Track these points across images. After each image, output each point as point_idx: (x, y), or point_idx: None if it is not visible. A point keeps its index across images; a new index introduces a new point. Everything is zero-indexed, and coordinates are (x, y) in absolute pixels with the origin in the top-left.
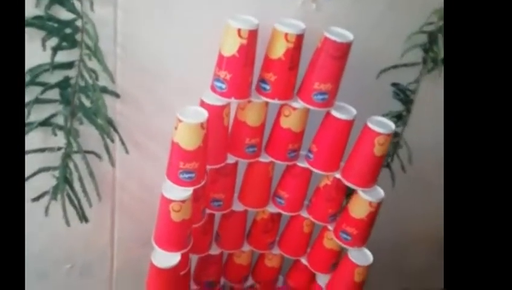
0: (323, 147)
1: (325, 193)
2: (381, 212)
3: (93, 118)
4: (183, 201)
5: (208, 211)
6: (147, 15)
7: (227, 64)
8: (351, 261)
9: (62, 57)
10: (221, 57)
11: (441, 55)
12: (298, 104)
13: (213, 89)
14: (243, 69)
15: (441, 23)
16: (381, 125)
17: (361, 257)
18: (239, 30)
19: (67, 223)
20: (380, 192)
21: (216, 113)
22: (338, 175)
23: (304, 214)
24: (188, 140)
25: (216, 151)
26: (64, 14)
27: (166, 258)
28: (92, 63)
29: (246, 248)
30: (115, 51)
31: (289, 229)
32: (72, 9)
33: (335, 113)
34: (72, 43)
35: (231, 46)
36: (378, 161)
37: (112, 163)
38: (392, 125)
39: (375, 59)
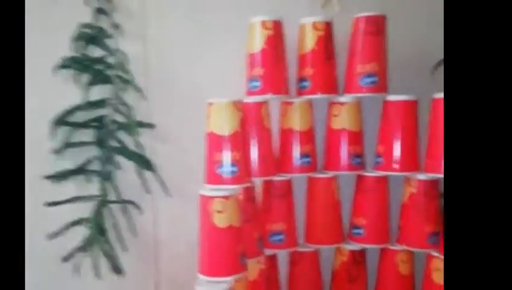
0: (393, 143)
1: (414, 205)
2: None
3: (132, 153)
4: (225, 197)
5: (268, 251)
6: (176, 46)
7: (258, 59)
8: None
9: (95, 95)
10: (251, 57)
11: None
12: (345, 97)
13: (248, 92)
14: (275, 61)
15: None
16: None
17: None
18: (263, 22)
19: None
20: None
21: (253, 111)
22: (421, 175)
23: (395, 246)
24: (223, 123)
25: (263, 158)
26: (98, 52)
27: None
28: (127, 97)
29: None
30: (147, 85)
31: (382, 272)
32: (105, 47)
33: (393, 97)
34: (105, 79)
35: (259, 40)
36: None
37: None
38: None
39: (424, 57)
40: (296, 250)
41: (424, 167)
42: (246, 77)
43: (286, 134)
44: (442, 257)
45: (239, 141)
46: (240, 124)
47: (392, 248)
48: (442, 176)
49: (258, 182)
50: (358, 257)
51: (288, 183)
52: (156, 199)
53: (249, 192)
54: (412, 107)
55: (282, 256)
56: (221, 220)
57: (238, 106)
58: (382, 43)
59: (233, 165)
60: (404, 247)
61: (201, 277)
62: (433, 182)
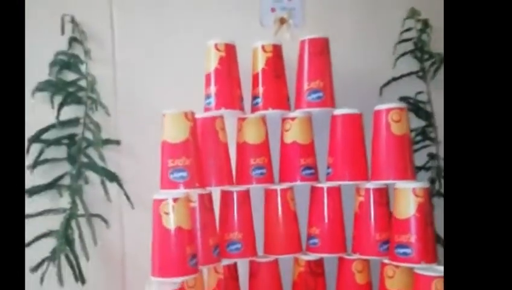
0: (339, 154)
1: (364, 214)
2: None
3: (99, 168)
4: (174, 200)
5: (226, 261)
6: (141, 69)
7: (212, 78)
8: (423, 275)
9: (68, 115)
10: (207, 77)
11: (438, 58)
12: (295, 112)
13: (205, 108)
14: (227, 79)
15: (419, 26)
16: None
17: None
18: (216, 45)
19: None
20: (422, 182)
21: (208, 125)
22: (369, 184)
23: (350, 255)
24: (174, 132)
25: (218, 169)
26: (71, 76)
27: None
28: (96, 116)
29: None
30: (115, 104)
31: (340, 283)
32: (77, 71)
33: (339, 111)
34: (77, 100)
35: (212, 61)
36: (401, 141)
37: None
38: (401, 104)
39: (370, 77)
40: (254, 260)
41: (371, 175)
42: (204, 95)
43: (242, 147)
44: (394, 264)
45: (189, 149)
46: (190, 133)
47: (347, 257)
48: (388, 182)
49: (217, 192)
50: (315, 267)
51: (245, 194)
52: (123, 211)
53: (205, 199)
54: (356, 119)
55: (243, 268)
56: (169, 222)
57: (188, 116)
58: (326, 62)
59: (183, 170)
60: (358, 256)
61: (152, 278)
62: (380, 190)
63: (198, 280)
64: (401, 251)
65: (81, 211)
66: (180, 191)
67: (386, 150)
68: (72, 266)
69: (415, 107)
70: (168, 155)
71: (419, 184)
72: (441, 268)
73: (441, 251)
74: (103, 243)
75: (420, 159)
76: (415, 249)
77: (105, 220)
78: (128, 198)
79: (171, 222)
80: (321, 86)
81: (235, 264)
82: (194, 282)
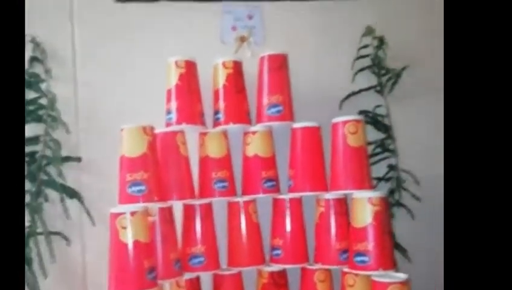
0: (299, 166)
1: (324, 224)
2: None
3: (59, 185)
4: (131, 213)
5: (188, 275)
6: (102, 87)
7: (172, 94)
8: (379, 282)
9: (28, 132)
10: (168, 93)
11: (394, 73)
12: (256, 127)
13: (166, 124)
14: (187, 95)
15: (375, 43)
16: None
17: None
18: (176, 62)
19: None
20: (378, 192)
21: (169, 140)
22: (328, 195)
23: (312, 265)
24: (132, 146)
25: (179, 182)
26: (32, 95)
27: None
28: (56, 134)
29: None
30: (77, 122)
31: None
32: (37, 89)
33: (298, 124)
34: (38, 118)
35: (173, 77)
36: (358, 152)
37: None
38: (357, 116)
39: (330, 92)
40: (218, 273)
41: (330, 186)
42: (165, 111)
43: (204, 161)
44: (354, 273)
45: (147, 163)
46: (148, 147)
47: (309, 267)
48: (346, 192)
49: (179, 205)
50: (278, 278)
51: (207, 207)
52: (84, 228)
53: (165, 213)
54: (315, 132)
55: (207, 282)
56: (126, 236)
57: (147, 130)
58: (284, 77)
59: (141, 184)
60: (320, 265)
61: None
62: (340, 200)
63: None
64: (359, 259)
65: (40, 229)
66: (138, 205)
67: (343, 161)
68: (28, 285)
69: (374, 120)
70: (126, 169)
71: (375, 193)
72: (399, 275)
73: (400, 258)
74: (64, 261)
75: (380, 170)
76: (372, 256)
77: (65, 238)
78: (89, 214)
79: (128, 236)
80: (280, 100)
81: (197, 278)
82: None
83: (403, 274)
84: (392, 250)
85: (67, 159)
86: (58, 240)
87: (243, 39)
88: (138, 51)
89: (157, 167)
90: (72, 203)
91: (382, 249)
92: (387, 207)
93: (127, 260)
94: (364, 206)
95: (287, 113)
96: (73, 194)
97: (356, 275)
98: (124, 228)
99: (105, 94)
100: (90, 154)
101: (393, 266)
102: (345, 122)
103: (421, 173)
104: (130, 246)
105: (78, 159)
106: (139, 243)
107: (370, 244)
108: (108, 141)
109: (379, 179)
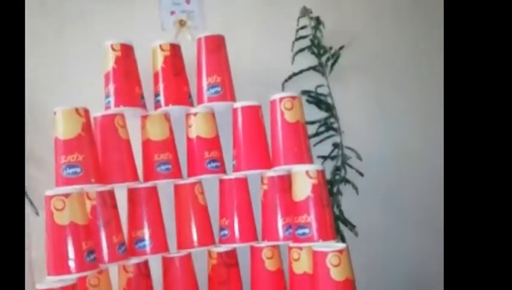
0: (242, 145)
1: (269, 201)
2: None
3: None
4: (65, 195)
5: (135, 260)
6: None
7: (110, 77)
8: (318, 251)
9: None
10: (105, 76)
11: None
12: (197, 108)
13: (105, 107)
14: (124, 78)
15: (313, 23)
16: None
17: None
18: (112, 45)
19: None
20: (317, 164)
21: (107, 123)
22: (270, 172)
23: (259, 243)
24: (65, 128)
25: (120, 166)
26: None
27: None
28: None
29: None
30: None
31: (252, 272)
32: None
33: (239, 104)
34: None
35: (109, 61)
36: (295, 127)
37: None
38: (292, 93)
39: (271, 73)
40: (166, 256)
41: (272, 163)
42: (104, 95)
43: (146, 144)
44: (298, 246)
45: (82, 144)
46: (83, 129)
47: (256, 245)
48: (285, 168)
49: (123, 190)
50: (227, 258)
51: (151, 191)
52: (28, 218)
53: (105, 197)
54: (255, 111)
55: (156, 265)
56: (60, 218)
57: (80, 112)
58: (222, 58)
59: (75, 166)
60: (266, 243)
61: (47, 277)
62: (282, 177)
63: (102, 279)
64: (301, 231)
65: None
66: (73, 187)
67: (282, 137)
68: None
69: (317, 100)
70: (60, 152)
71: (312, 166)
72: (338, 245)
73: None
74: None
75: (325, 148)
76: (312, 228)
77: None
78: (32, 204)
79: (63, 218)
80: (219, 81)
81: (145, 262)
82: (98, 281)
83: (343, 244)
84: (332, 222)
85: None
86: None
87: (181, 23)
88: (78, 35)
89: (95, 150)
90: None
91: (322, 221)
92: (325, 180)
93: (63, 242)
94: (303, 179)
95: (227, 93)
96: None
97: (300, 248)
98: (59, 210)
99: (43, 80)
100: (30, 143)
101: (334, 237)
102: (281, 99)
103: (364, 151)
104: (66, 228)
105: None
106: (76, 225)
107: (310, 217)
108: (47, 128)
109: (324, 158)
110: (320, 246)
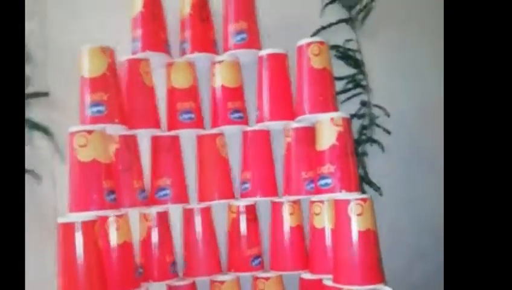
0: (267, 95)
1: (291, 154)
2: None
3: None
4: (88, 132)
5: (156, 210)
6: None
7: (137, 21)
8: (340, 200)
9: None
10: (133, 21)
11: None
12: (222, 56)
13: (132, 52)
14: (152, 23)
15: None
16: None
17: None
18: None
19: None
20: (341, 112)
21: (133, 68)
22: (295, 124)
23: (281, 198)
24: (92, 66)
25: (143, 112)
26: None
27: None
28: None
29: (226, 276)
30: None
31: (273, 227)
32: None
33: (264, 51)
34: None
35: (137, 5)
36: (322, 74)
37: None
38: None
39: (299, 26)
40: (187, 208)
41: (295, 112)
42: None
43: (170, 92)
44: (320, 200)
45: (107, 83)
46: (108, 68)
47: (277, 200)
48: (310, 117)
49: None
50: (247, 213)
51: (173, 139)
52: (55, 166)
53: (128, 141)
54: (281, 59)
55: (176, 217)
56: (83, 154)
57: (106, 51)
58: (249, 3)
59: (100, 104)
60: (287, 197)
61: (68, 213)
62: (305, 129)
63: (122, 224)
64: (323, 182)
65: None
66: (96, 125)
67: (307, 84)
68: None
69: (345, 55)
70: (85, 90)
71: (338, 114)
72: (362, 196)
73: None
74: (35, 199)
75: (353, 106)
76: (335, 178)
77: (37, 176)
78: (58, 151)
79: (85, 155)
80: (245, 28)
81: (166, 213)
82: (118, 224)
83: (366, 195)
84: (356, 173)
85: (36, 94)
86: (28, 179)
87: None
88: None
89: (119, 91)
90: (40, 141)
91: (345, 170)
92: (351, 128)
93: (84, 179)
94: (327, 127)
95: (253, 40)
96: (43, 130)
97: (322, 202)
98: (82, 146)
99: (73, 30)
100: (58, 91)
101: (358, 188)
102: (308, 44)
103: (392, 109)
104: (88, 164)
105: (46, 94)
106: (98, 163)
107: (332, 167)
108: (76, 77)
109: (352, 116)
110: (343, 196)
